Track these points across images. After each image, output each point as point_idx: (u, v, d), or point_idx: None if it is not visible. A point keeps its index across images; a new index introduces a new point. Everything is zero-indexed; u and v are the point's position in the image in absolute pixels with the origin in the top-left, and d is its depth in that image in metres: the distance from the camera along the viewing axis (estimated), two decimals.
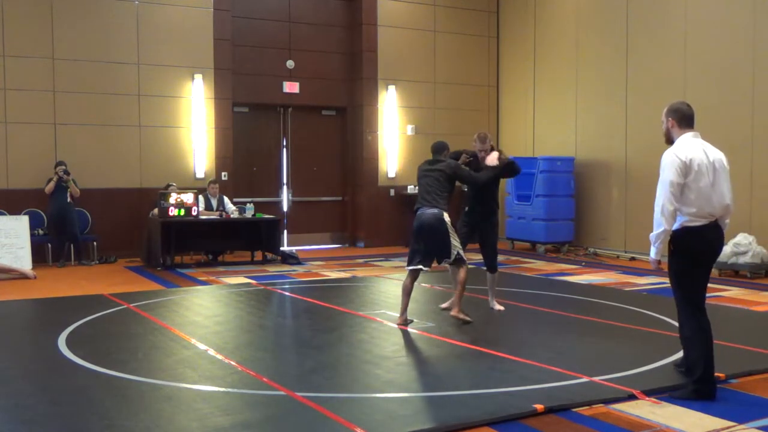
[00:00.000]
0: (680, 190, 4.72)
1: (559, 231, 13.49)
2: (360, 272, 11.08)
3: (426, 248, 6.90)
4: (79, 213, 11.99)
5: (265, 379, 5.22)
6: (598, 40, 13.52)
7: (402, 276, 10.52)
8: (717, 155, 4.88)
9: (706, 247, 4.88)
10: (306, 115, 14.60)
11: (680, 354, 5.72)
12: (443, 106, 15.27)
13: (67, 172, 11.51)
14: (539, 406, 4.54)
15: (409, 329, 6.91)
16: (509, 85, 15.63)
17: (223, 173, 13.33)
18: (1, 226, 11.05)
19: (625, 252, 12.86)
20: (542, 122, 14.80)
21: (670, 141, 4.98)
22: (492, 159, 7.42)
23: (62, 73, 12.12)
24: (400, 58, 14.82)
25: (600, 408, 4.61)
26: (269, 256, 12.27)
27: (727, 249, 10.23)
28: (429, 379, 5.43)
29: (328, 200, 14.97)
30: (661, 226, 4.75)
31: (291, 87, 14.18)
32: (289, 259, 12.11)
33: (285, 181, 14.46)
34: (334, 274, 10.86)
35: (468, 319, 6.87)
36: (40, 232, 11.75)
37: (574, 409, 4.58)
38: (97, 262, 11.98)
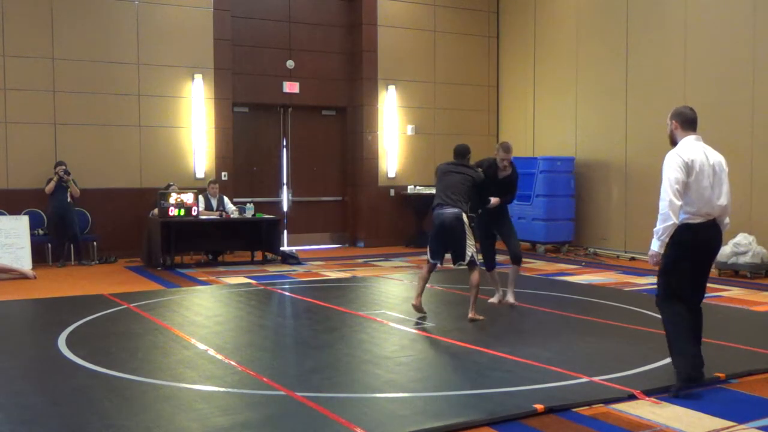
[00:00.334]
0: (684, 187, 4.93)
1: (559, 231, 13.49)
2: (360, 272, 11.08)
3: (443, 246, 7.27)
4: (79, 213, 12.00)
5: (265, 379, 5.22)
6: (598, 40, 13.52)
7: (402, 276, 10.57)
8: (717, 158, 5.10)
9: (701, 244, 5.08)
10: (306, 115, 14.60)
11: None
12: (443, 106, 15.27)
13: (67, 172, 11.52)
14: (539, 406, 4.54)
15: (409, 329, 6.92)
16: (509, 85, 15.63)
17: (223, 173, 13.33)
18: (1, 226, 11.06)
19: (625, 252, 12.86)
20: (542, 122, 14.80)
21: (673, 143, 5.18)
22: (494, 202, 7.79)
23: (62, 73, 12.12)
24: (400, 58, 14.82)
25: (600, 408, 4.61)
26: (269, 256, 12.27)
27: (727, 249, 10.23)
28: (429, 379, 5.43)
29: (328, 200, 14.97)
30: (669, 219, 4.90)
31: (291, 87, 14.18)
32: (289, 259, 12.11)
33: (285, 181, 14.47)
34: (334, 274, 10.86)
35: (481, 317, 7.21)
36: (40, 232, 11.75)
37: (574, 409, 4.58)
38: (97, 262, 11.98)
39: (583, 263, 12.07)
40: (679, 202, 4.91)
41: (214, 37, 13.18)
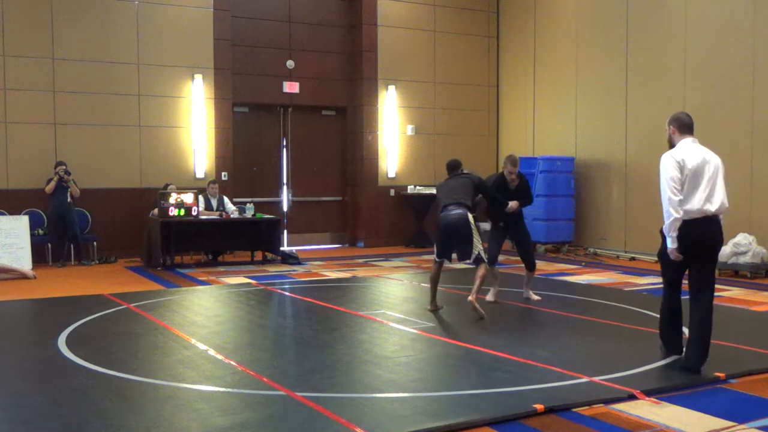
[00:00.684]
0: (681, 183, 5.27)
1: (559, 231, 13.49)
2: (360, 272, 11.08)
3: (450, 245, 7.44)
4: (79, 213, 12.00)
5: (265, 379, 5.22)
6: (598, 40, 13.52)
7: (402, 276, 10.57)
8: (712, 158, 5.40)
9: (696, 239, 5.32)
10: (306, 115, 14.60)
11: (680, 354, 5.78)
12: (443, 106, 15.27)
13: (68, 172, 11.52)
14: (539, 406, 4.54)
15: (409, 329, 6.92)
16: (509, 85, 15.63)
17: (223, 173, 13.33)
18: (1, 226, 11.06)
19: (625, 252, 12.86)
20: (542, 122, 14.80)
21: (672, 146, 5.52)
22: (512, 205, 8.14)
23: (62, 73, 12.12)
24: (400, 58, 14.82)
25: (600, 408, 4.61)
26: (269, 256, 12.27)
27: (727, 249, 10.23)
28: (429, 379, 5.43)
29: (328, 200, 14.97)
30: (671, 216, 5.25)
31: (291, 87, 14.19)
32: (289, 259, 12.11)
33: (285, 181, 14.47)
34: (334, 274, 10.86)
35: (482, 313, 7.25)
36: (40, 232, 11.75)
37: (574, 409, 4.58)
38: (97, 262, 11.98)
39: (583, 263, 12.07)
40: (677, 197, 5.24)
41: (214, 37, 13.18)
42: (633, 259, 12.44)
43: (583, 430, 4.28)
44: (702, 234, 5.30)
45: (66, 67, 12.14)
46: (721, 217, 5.40)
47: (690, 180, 5.27)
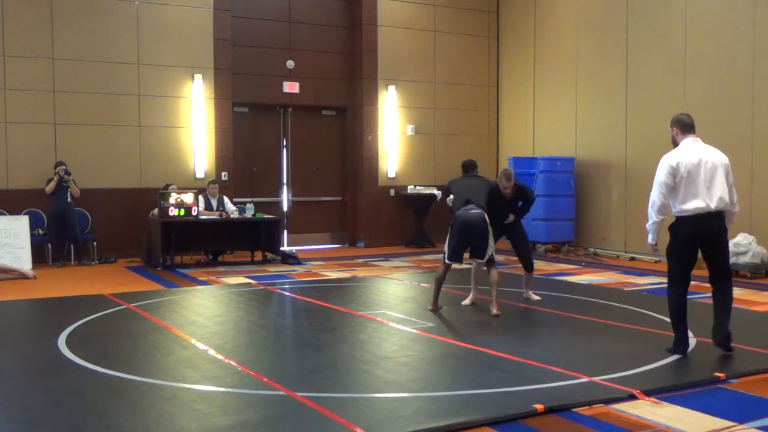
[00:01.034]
0: (670, 189, 5.62)
1: (559, 231, 13.49)
2: (360, 272, 11.08)
3: (465, 243, 7.56)
4: (79, 213, 12.00)
5: (265, 379, 5.22)
6: (598, 40, 13.52)
7: (402, 276, 10.56)
8: (711, 156, 5.67)
9: (698, 234, 5.63)
10: (306, 115, 14.60)
11: (679, 355, 5.83)
12: (443, 106, 15.27)
13: (68, 172, 11.51)
14: (539, 406, 4.54)
15: (409, 329, 6.92)
16: (509, 85, 15.63)
17: (223, 173, 13.33)
18: (1, 226, 11.06)
19: (625, 252, 12.86)
20: (542, 122, 14.80)
21: (676, 146, 5.83)
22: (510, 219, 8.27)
23: (62, 73, 12.12)
24: (400, 58, 14.82)
25: (600, 408, 4.61)
26: (269, 256, 12.27)
27: None
28: (429, 379, 5.43)
29: (328, 200, 14.97)
30: (651, 218, 5.74)
31: (291, 87, 14.19)
32: (289, 259, 12.11)
33: (285, 181, 14.47)
34: (334, 274, 10.86)
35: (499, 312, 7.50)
36: (40, 232, 11.75)
37: (574, 409, 4.58)
38: (97, 262, 11.98)
39: (583, 263, 12.08)
40: (660, 203, 5.65)
41: (214, 37, 13.18)
42: (633, 259, 12.44)
43: (583, 430, 4.28)
44: (703, 230, 5.61)
45: (66, 67, 12.14)
46: (735, 211, 5.71)
47: (686, 179, 5.57)
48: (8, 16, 11.79)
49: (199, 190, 12.09)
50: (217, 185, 12.37)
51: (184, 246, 11.92)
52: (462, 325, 7.18)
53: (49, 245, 11.73)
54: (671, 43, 12.10)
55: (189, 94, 13.04)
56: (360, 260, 12.59)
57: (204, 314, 7.86)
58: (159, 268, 11.23)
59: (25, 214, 11.56)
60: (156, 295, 8.93)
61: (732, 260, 10.27)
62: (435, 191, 14.36)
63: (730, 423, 4.33)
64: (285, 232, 14.05)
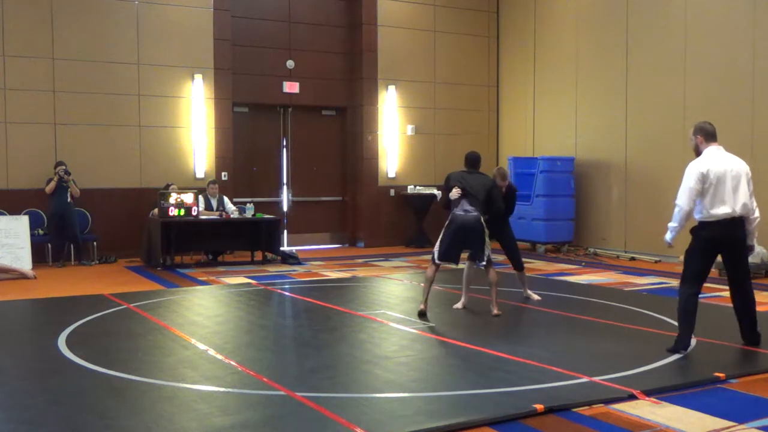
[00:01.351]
0: (698, 195, 5.83)
1: (559, 231, 13.48)
2: (360, 272, 11.08)
3: (460, 248, 7.51)
4: (79, 213, 11.99)
5: (265, 379, 5.22)
6: (598, 40, 13.52)
7: (402, 276, 10.57)
8: (737, 164, 5.98)
9: (719, 238, 5.86)
10: (306, 115, 14.60)
11: (680, 354, 5.86)
12: (443, 106, 15.27)
13: (68, 172, 11.51)
14: (539, 406, 4.54)
15: (409, 329, 6.92)
16: (509, 85, 15.63)
17: (223, 173, 13.33)
18: (1, 226, 11.05)
19: (625, 252, 12.86)
20: (542, 122, 14.80)
21: (698, 153, 6.04)
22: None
23: (62, 73, 12.12)
24: (400, 58, 14.82)
25: (600, 408, 4.61)
26: (269, 256, 12.26)
27: None
28: (429, 379, 5.43)
29: (328, 200, 14.97)
30: (675, 222, 5.90)
31: (291, 87, 14.19)
32: (289, 259, 12.11)
33: (285, 181, 14.47)
34: (334, 274, 10.86)
35: (500, 312, 7.52)
36: (40, 232, 11.75)
37: (574, 409, 4.58)
38: (97, 262, 11.98)
39: (583, 263, 12.07)
40: (688, 208, 5.83)
41: (214, 37, 13.18)
42: (633, 259, 12.44)
43: (583, 430, 4.28)
44: (728, 235, 5.86)
45: (66, 67, 12.14)
46: (754, 217, 5.94)
47: (715, 186, 5.81)
48: (8, 16, 11.79)
49: (199, 190, 12.09)
50: (217, 185, 12.37)
51: (184, 246, 11.92)
52: (462, 325, 7.18)
53: (49, 245, 11.72)
54: (671, 43, 12.10)
55: (189, 94, 13.04)
56: (360, 260, 12.60)
57: (204, 314, 7.86)
58: (159, 268, 11.23)
59: (25, 214, 11.56)
60: (156, 295, 8.93)
61: None
62: (435, 191, 14.35)
63: (730, 423, 4.33)
64: (285, 232, 14.05)
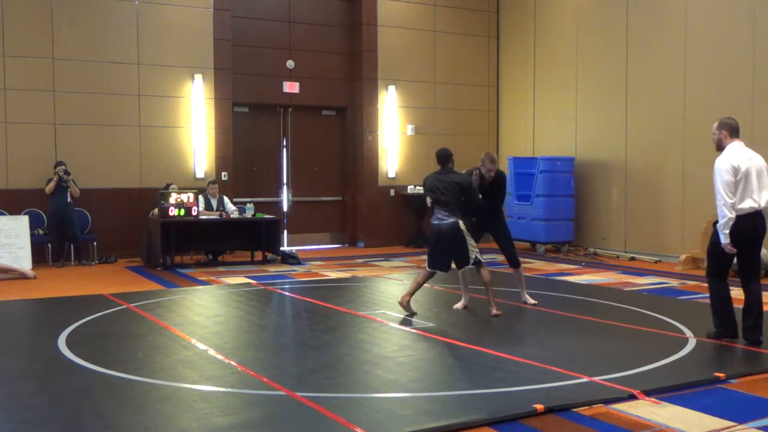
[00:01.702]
0: (734, 187, 5.98)
1: (559, 231, 13.48)
2: (360, 272, 11.08)
3: (447, 256, 7.44)
4: (79, 213, 11.99)
5: (265, 379, 5.22)
6: (598, 40, 13.52)
7: (402, 276, 10.57)
8: (756, 158, 6.12)
9: (743, 232, 6.01)
10: (306, 115, 14.60)
11: (680, 354, 5.89)
12: (443, 106, 15.27)
13: (67, 172, 11.51)
14: (539, 406, 4.54)
15: (409, 329, 6.92)
16: (509, 85, 15.63)
17: (223, 173, 13.33)
18: (1, 226, 11.05)
19: (625, 252, 12.85)
20: (542, 122, 14.80)
21: (720, 149, 6.22)
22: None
23: (62, 73, 12.12)
24: (400, 58, 14.82)
25: (600, 408, 4.61)
26: (269, 256, 12.26)
27: None
28: (429, 379, 5.43)
29: (328, 200, 14.97)
30: (725, 216, 5.98)
31: (291, 87, 14.19)
32: (289, 259, 12.11)
33: (285, 181, 14.47)
34: (334, 274, 10.86)
35: (500, 312, 7.45)
36: (40, 232, 11.75)
37: (574, 409, 4.58)
38: (97, 262, 11.98)
39: (583, 263, 12.07)
40: (731, 200, 5.96)
41: (214, 37, 13.18)
42: (633, 259, 12.43)
43: (583, 430, 4.28)
44: (753, 227, 6.06)
45: (66, 67, 12.14)
46: None
47: (743, 181, 5.99)
48: (8, 16, 11.79)
49: (199, 190, 12.09)
50: (217, 185, 12.37)
51: (184, 246, 11.92)
52: (462, 325, 7.18)
53: (49, 245, 11.73)
54: (671, 43, 12.10)
55: (189, 94, 13.04)
56: (360, 260, 12.60)
57: (204, 314, 7.86)
58: (159, 268, 11.23)
59: (25, 214, 11.56)
60: (156, 295, 8.93)
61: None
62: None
63: (730, 423, 4.33)
64: (285, 232, 14.05)
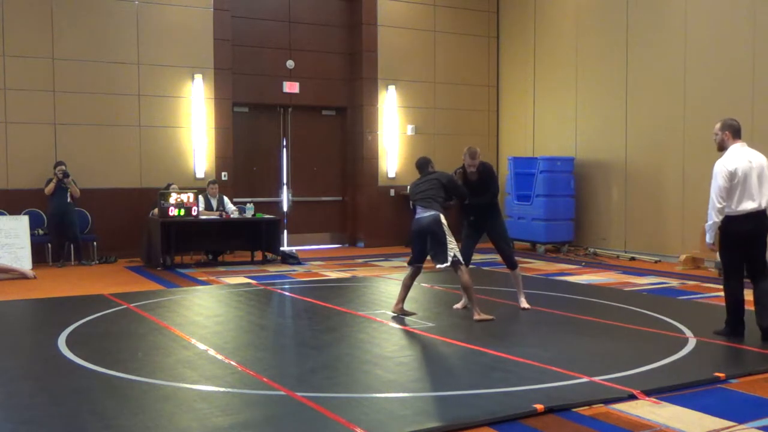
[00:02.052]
0: (728, 192, 6.09)
1: (559, 231, 13.48)
2: (360, 272, 11.08)
3: (422, 247, 7.34)
4: (79, 213, 11.99)
5: (265, 379, 5.22)
6: (598, 40, 13.52)
7: (401, 276, 10.54)
8: (759, 159, 6.20)
9: (745, 231, 6.14)
10: (306, 115, 14.60)
11: (680, 354, 5.89)
12: (443, 106, 15.27)
13: (66, 174, 11.48)
14: (539, 406, 4.54)
15: (409, 329, 6.92)
16: (509, 85, 15.62)
17: (223, 173, 13.33)
18: (1, 226, 11.05)
19: (625, 252, 12.85)
20: (542, 122, 14.80)
21: (722, 149, 6.32)
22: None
23: (62, 73, 12.12)
24: (400, 58, 14.82)
25: (600, 408, 4.61)
26: (269, 256, 12.26)
27: None
28: (429, 379, 5.43)
29: (328, 200, 14.97)
30: (712, 219, 6.14)
31: (291, 87, 14.19)
32: (289, 259, 12.11)
33: (285, 181, 14.47)
34: (334, 274, 10.86)
35: (490, 317, 7.25)
36: (40, 232, 11.75)
37: (574, 409, 4.58)
38: (97, 262, 11.98)
39: (583, 263, 12.07)
40: (720, 205, 6.08)
41: (214, 37, 13.18)
42: (633, 259, 12.43)
43: (583, 430, 4.28)
44: (755, 226, 6.15)
45: (66, 67, 12.14)
46: None
47: (742, 183, 6.07)
48: (8, 16, 11.79)
49: (199, 190, 12.09)
50: (217, 185, 12.37)
51: (184, 246, 11.92)
52: (462, 325, 7.18)
53: (49, 245, 11.73)
54: (671, 43, 12.10)
55: (189, 94, 13.04)
56: (360, 260, 12.60)
57: (204, 314, 7.86)
58: (159, 268, 11.23)
59: (25, 214, 11.56)
60: (156, 295, 8.93)
61: None
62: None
63: (730, 423, 4.33)
64: (285, 232, 14.05)
